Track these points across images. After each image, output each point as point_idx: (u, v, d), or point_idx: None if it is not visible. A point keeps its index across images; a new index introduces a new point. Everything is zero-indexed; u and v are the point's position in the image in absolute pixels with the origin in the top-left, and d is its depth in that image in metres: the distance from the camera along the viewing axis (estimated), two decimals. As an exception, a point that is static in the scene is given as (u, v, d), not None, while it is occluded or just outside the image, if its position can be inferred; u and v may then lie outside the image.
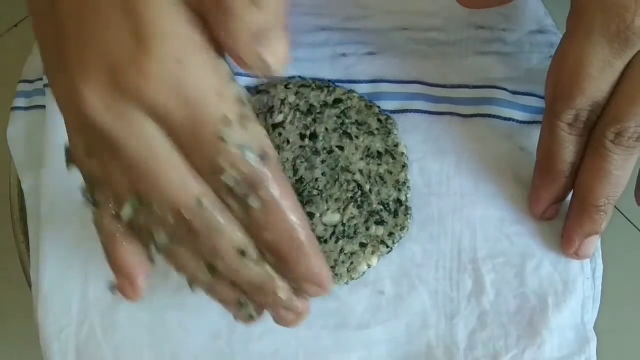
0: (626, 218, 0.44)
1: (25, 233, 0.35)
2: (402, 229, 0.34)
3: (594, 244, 0.33)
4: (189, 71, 0.23)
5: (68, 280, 0.33)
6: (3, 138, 0.36)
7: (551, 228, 0.34)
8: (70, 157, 0.26)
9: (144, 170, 0.24)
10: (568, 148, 0.32)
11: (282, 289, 0.27)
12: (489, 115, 0.36)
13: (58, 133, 0.35)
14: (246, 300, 0.27)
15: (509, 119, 0.36)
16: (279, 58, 0.24)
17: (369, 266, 0.33)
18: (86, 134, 0.24)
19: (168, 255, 0.26)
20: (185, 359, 0.33)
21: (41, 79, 0.36)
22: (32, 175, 0.35)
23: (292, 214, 0.25)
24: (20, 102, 0.36)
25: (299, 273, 0.26)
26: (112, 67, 0.23)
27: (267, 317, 0.33)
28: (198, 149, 0.24)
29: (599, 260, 0.34)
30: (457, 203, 0.34)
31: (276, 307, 0.27)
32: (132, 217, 0.25)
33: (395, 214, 0.34)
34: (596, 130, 0.31)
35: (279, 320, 0.28)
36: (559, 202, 0.34)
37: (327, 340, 0.33)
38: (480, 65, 0.37)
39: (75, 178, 0.35)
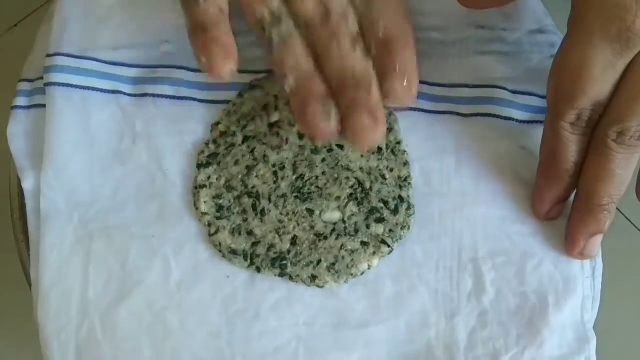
0: (626, 218, 0.44)
1: (25, 233, 0.35)
2: (403, 227, 0.34)
3: (599, 243, 0.33)
4: None
5: (68, 280, 0.33)
6: (3, 138, 0.36)
7: (552, 227, 0.34)
8: None
9: None
10: (571, 148, 0.32)
11: (376, 86, 0.30)
12: (489, 115, 0.36)
13: (58, 133, 0.35)
14: (330, 102, 0.30)
15: (509, 119, 0.36)
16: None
17: (369, 267, 0.33)
18: None
19: (285, 44, 0.30)
20: (185, 359, 0.33)
21: (41, 78, 0.36)
22: (32, 175, 0.35)
23: (405, 6, 0.32)
24: (20, 101, 0.36)
25: (402, 61, 0.30)
26: None
27: (267, 317, 0.33)
28: None
29: (599, 260, 0.34)
30: (458, 202, 0.34)
31: (362, 109, 0.30)
32: (274, 10, 0.31)
33: (395, 212, 0.34)
34: (599, 130, 0.31)
35: (355, 127, 0.30)
36: (563, 202, 0.34)
37: (327, 339, 0.33)
38: (480, 65, 0.37)
39: (75, 177, 0.35)
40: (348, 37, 0.30)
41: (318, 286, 0.33)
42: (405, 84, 0.30)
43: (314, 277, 0.33)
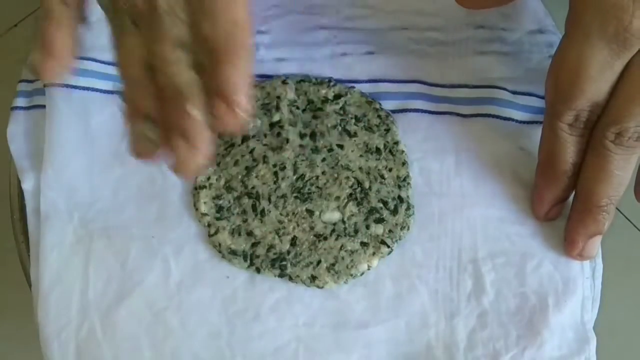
0: (626, 218, 0.44)
1: (25, 233, 0.35)
2: (402, 228, 0.34)
3: (598, 244, 0.33)
4: None
5: (68, 280, 0.33)
6: (3, 138, 0.36)
7: (551, 228, 0.34)
8: None
9: None
10: (569, 149, 0.32)
11: (197, 105, 0.25)
12: (489, 115, 0.36)
13: (58, 133, 0.35)
14: (153, 125, 0.26)
15: (509, 119, 0.36)
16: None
17: (369, 267, 0.33)
18: None
19: (118, 43, 0.27)
20: (185, 359, 0.33)
21: (41, 78, 0.36)
22: (32, 175, 0.35)
23: (241, 10, 0.25)
24: (20, 102, 0.36)
25: (222, 78, 0.25)
26: None
27: (267, 318, 0.33)
28: None
29: (599, 260, 0.34)
30: (458, 203, 0.34)
31: (176, 131, 0.25)
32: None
33: (395, 212, 0.34)
34: (597, 130, 0.31)
35: (172, 150, 0.26)
36: (562, 202, 0.34)
37: (327, 339, 0.33)
38: (480, 65, 0.37)
39: (75, 178, 0.35)
40: (169, 41, 0.25)
41: (318, 287, 0.33)
42: (227, 105, 0.25)
43: (313, 278, 0.33)
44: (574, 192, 0.33)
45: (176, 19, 0.25)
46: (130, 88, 0.27)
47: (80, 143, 0.35)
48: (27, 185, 0.35)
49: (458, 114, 0.36)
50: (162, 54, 0.25)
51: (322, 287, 0.33)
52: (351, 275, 0.33)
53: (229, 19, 0.25)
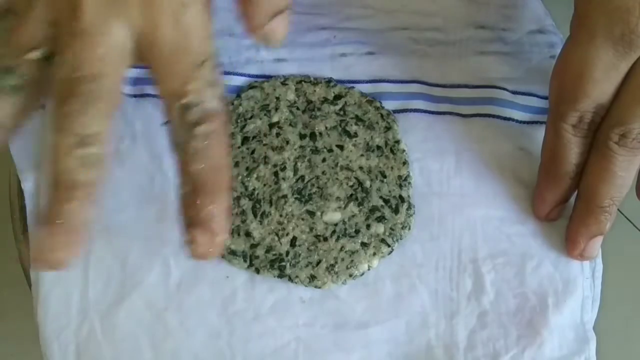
0: (626, 218, 0.44)
1: (25, 233, 0.35)
2: (403, 227, 0.33)
3: (599, 244, 0.33)
4: (189, 11, 0.27)
5: (68, 280, 0.33)
6: (3, 138, 0.36)
7: (552, 228, 0.34)
8: None
9: (84, 38, 0.26)
10: (572, 150, 0.32)
11: (83, 202, 0.27)
12: (489, 115, 0.36)
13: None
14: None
15: (509, 119, 0.36)
16: (283, 34, 0.28)
17: (369, 268, 0.33)
18: None
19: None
20: (185, 359, 0.33)
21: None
22: (32, 175, 0.35)
23: (225, 157, 0.28)
24: (20, 102, 0.36)
25: (204, 211, 0.27)
26: None
27: (266, 318, 0.33)
28: (174, 72, 0.27)
29: (599, 260, 0.34)
30: (458, 203, 0.34)
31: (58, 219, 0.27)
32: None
33: (396, 211, 0.34)
34: (601, 132, 0.31)
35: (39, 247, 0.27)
36: (563, 203, 0.34)
37: (327, 340, 0.33)
38: (480, 65, 0.37)
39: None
40: (72, 136, 0.27)
41: (316, 287, 0.33)
42: (206, 236, 0.27)
43: (312, 278, 0.33)
44: (575, 193, 0.33)
45: (87, 114, 0.27)
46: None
47: (80, 143, 0.35)
48: (27, 185, 0.35)
49: (458, 114, 0.36)
50: (60, 147, 0.27)
51: (320, 287, 0.33)
52: (350, 275, 0.33)
53: (219, 161, 0.28)
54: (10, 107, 0.28)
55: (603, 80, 0.30)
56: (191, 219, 0.28)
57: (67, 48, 0.27)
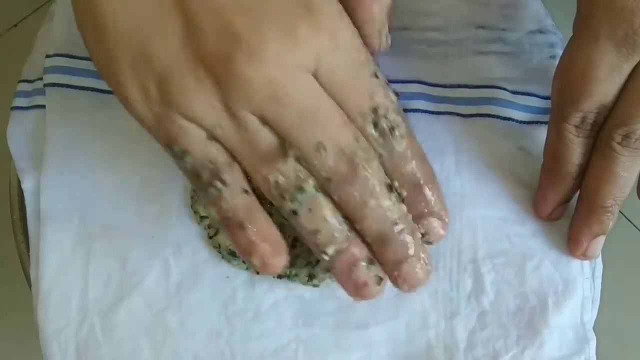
0: (626, 218, 0.44)
1: (25, 233, 0.35)
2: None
3: (601, 244, 0.33)
4: (344, 23, 0.27)
5: (68, 280, 0.33)
6: (3, 138, 0.36)
7: (552, 228, 0.34)
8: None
9: (311, 118, 0.26)
10: (575, 150, 0.32)
11: (416, 232, 0.29)
12: (489, 115, 0.36)
13: (58, 133, 0.35)
14: (375, 263, 0.29)
15: (509, 119, 0.36)
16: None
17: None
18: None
19: (310, 211, 0.28)
20: (185, 359, 0.33)
21: (41, 78, 0.36)
22: (32, 175, 0.35)
23: (417, 142, 0.29)
24: (20, 102, 0.36)
25: (430, 205, 0.29)
26: (285, 27, 0.26)
27: (266, 318, 0.33)
28: (355, 91, 0.27)
29: (599, 260, 0.34)
30: (458, 203, 0.34)
31: (405, 259, 0.28)
32: (289, 174, 0.27)
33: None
34: (603, 132, 0.31)
35: (409, 277, 0.28)
36: (566, 203, 0.34)
37: (327, 340, 0.33)
38: (480, 65, 0.37)
39: (75, 178, 0.35)
40: (382, 188, 0.28)
41: (315, 285, 0.33)
42: (440, 221, 0.30)
43: (311, 277, 0.33)
44: (578, 193, 0.33)
45: (376, 168, 0.28)
46: (343, 247, 0.28)
47: (80, 143, 0.35)
48: (27, 185, 0.35)
49: (458, 114, 0.36)
50: (379, 204, 0.28)
51: (318, 286, 0.33)
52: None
53: (421, 157, 0.29)
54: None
55: (606, 81, 0.30)
56: (422, 213, 0.29)
57: (307, 139, 0.27)
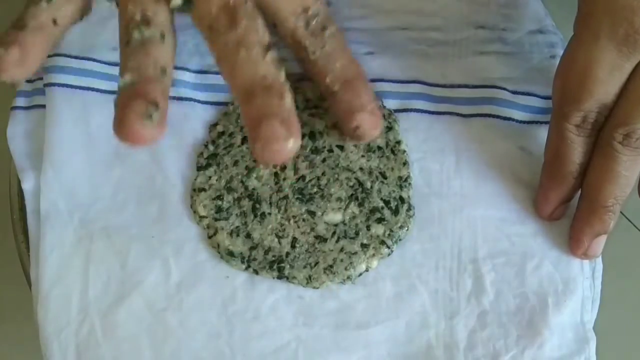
0: (626, 218, 0.44)
1: (25, 233, 0.35)
2: (402, 227, 0.33)
3: (602, 243, 0.33)
4: None
5: (68, 280, 0.33)
6: (3, 138, 0.36)
7: (552, 228, 0.34)
8: None
9: None
10: (576, 149, 0.32)
11: (289, 97, 0.29)
12: (489, 115, 0.36)
13: (58, 133, 0.35)
14: (157, 109, 0.28)
15: (509, 119, 0.36)
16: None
17: (367, 269, 0.33)
18: None
19: (143, 46, 0.29)
20: (185, 359, 0.33)
21: (41, 78, 0.36)
22: (32, 175, 0.35)
23: (346, 45, 0.33)
24: (20, 102, 0.36)
25: (360, 100, 0.32)
26: None
27: (266, 318, 0.33)
28: None
29: (599, 260, 0.34)
30: (458, 203, 0.34)
31: (273, 116, 0.28)
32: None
33: (396, 212, 0.34)
34: (604, 131, 0.31)
35: (266, 135, 0.28)
36: (567, 202, 0.34)
37: (327, 340, 0.33)
38: (480, 65, 0.37)
39: (75, 177, 0.35)
40: (258, 45, 0.29)
41: (314, 287, 0.33)
42: (371, 117, 0.32)
43: (310, 279, 0.33)
44: (579, 192, 0.33)
45: (259, 27, 0.29)
46: (138, 82, 0.28)
47: (80, 143, 0.35)
48: (27, 185, 0.35)
49: (458, 114, 0.36)
50: (251, 57, 0.29)
51: (318, 288, 0.33)
52: (348, 277, 0.33)
53: (350, 57, 0.33)
54: (170, 52, 0.30)
55: (607, 81, 0.30)
56: (352, 108, 0.32)
57: None
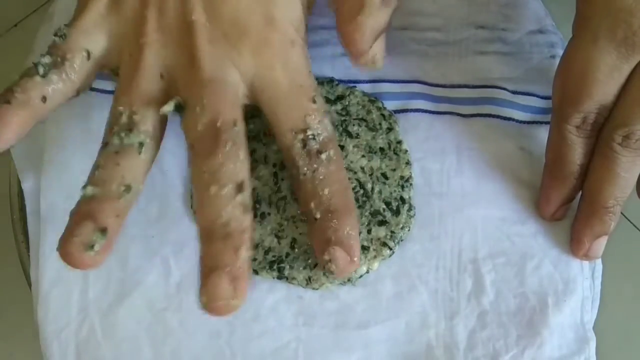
0: (626, 218, 0.44)
1: (25, 233, 0.35)
2: (403, 228, 0.33)
3: (603, 244, 0.33)
4: (296, 49, 0.30)
5: (68, 280, 0.33)
6: (3, 138, 0.36)
7: (552, 228, 0.34)
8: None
9: (213, 86, 0.29)
10: (577, 150, 0.32)
11: (246, 250, 0.27)
12: (489, 115, 0.36)
13: (58, 133, 0.35)
14: (98, 237, 0.28)
15: (509, 119, 0.36)
16: (382, 55, 0.31)
17: (368, 270, 0.33)
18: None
19: (117, 153, 0.29)
20: (185, 359, 0.33)
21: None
22: (32, 175, 0.35)
23: (347, 179, 0.31)
24: (20, 102, 0.36)
25: (339, 235, 0.29)
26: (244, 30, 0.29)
27: (266, 318, 0.33)
28: (293, 108, 0.30)
29: (599, 260, 0.34)
30: (458, 203, 0.34)
31: (222, 271, 0.27)
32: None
33: (397, 213, 0.34)
34: (604, 133, 0.31)
35: (210, 291, 0.27)
36: (568, 203, 0.34)
37: (327, 340, 0.33)
38: (480, 65, 0.37)
39: (75, 178, 0.35)
40: (231, 183, 0.28)
41: (314, 288, 0.33)
42: (346, 255, 0.30)
43: (310, 279, 0.33)
44: (580, 193, 0.33)
45: (238, 161, 0.28)
46: (96, 199, 0.28)
47: (80, 143, 0.35)
48: (27, 185, 0.35)
49: (458, 114, 0.36)
50: (220, 193, 0.28)
51: (317, 289, 0.33)
52: (349, 279, 0.33)
53: (344, 184, 0.31)
54: (143, 166, 0.29)
55: (606, 82, 0.30)
56: (328, 240, 0.29)
57: (198, 98, 0.28)
